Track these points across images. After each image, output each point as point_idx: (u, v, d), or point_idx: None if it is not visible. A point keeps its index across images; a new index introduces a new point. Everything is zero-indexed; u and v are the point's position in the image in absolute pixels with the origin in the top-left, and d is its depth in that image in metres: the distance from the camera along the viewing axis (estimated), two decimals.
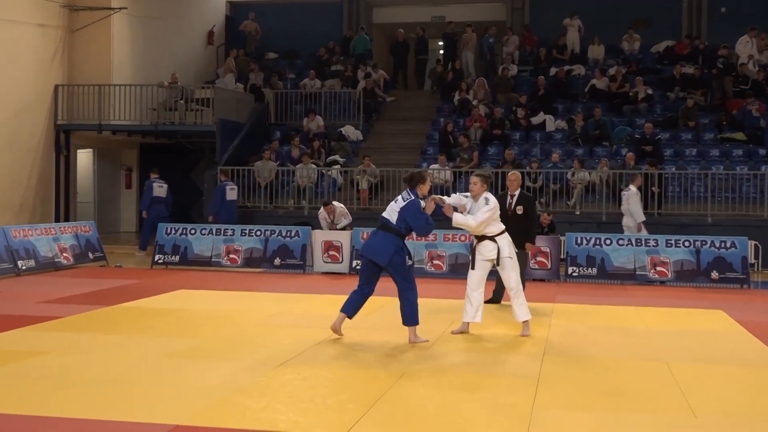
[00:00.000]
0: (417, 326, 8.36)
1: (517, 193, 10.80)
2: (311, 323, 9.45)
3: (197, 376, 6.80)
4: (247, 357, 7.60)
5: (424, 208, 8.18)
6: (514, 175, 10.84)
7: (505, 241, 8.62)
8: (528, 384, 6.68)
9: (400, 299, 8.32)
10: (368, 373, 6.98)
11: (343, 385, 6.57)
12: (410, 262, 8.26)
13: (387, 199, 18.47)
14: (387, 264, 8.20)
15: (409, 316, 8.29)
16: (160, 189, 18.25)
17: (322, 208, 15.59)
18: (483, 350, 8.05)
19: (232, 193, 18.01)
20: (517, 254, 8.78)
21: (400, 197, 8.37)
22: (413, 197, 8.26)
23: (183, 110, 20.79)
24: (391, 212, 8.34)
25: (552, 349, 8.15)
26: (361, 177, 18.65)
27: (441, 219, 8.79)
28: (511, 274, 8.55)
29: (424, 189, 8.33)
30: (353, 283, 13.79)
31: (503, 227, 8.67)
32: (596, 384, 6.79)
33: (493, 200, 8.55)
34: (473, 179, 8.62)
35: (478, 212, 8.48)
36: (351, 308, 8.46)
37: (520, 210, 10.76)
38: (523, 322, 8.70)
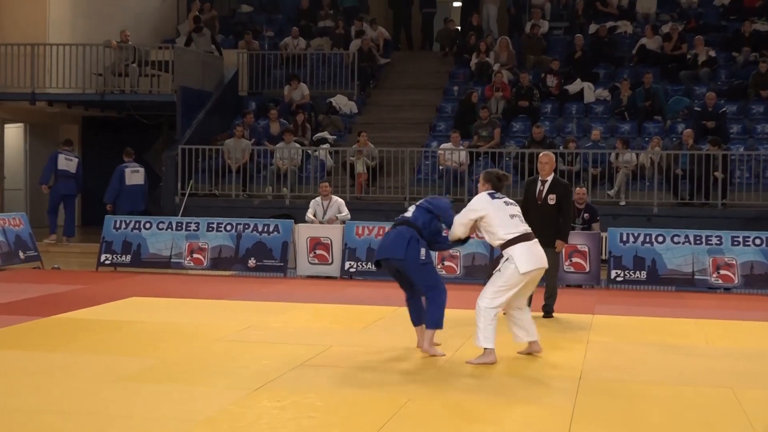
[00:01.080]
0: (437, 331, 8.60)
1: (550, 178, 10.79)
2: (294, 339, 9.43)
3: (153, 405, 6.78)
4: (215, 381, 7.58)
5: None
6: (546, 157, 10.84)
7: (517, 251, 8.33)
8: (560, 416, 6.67)
9: (425, 303, 8.65)
10: (365, 400, 6.97)
11: (333, 415, 6.56)
12: (424, 259, 8.46)
13: (388, 187, 18.51)
14: (404, 258, 8.45)
15: (433, 318, 8.54)
16: (135, 174, 18.45)
17: (318, 198, 15.50)
18: (505, 373, 8.04)
19: (134, 176, 18.23)
20: (546, 253, 8.71)
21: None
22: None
23: (136, 76, 20.76)
24: (410, 211, 8.78)
25: (591, 373, 8.13)
26: (357, 158, 18.64)
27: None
28: (483, 291, 8.46)
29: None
30: (345, 289, 13.83)
31: (518, 231, 8.40)
32: (644, 416, 6.77)
33: (474, 202, 8.50)
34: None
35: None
36: (418, 316, 8.79)
37: (552, 199, 10.75)
38: (485, 349, 8.36)
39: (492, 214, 8.36)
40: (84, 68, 20.58)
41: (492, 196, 8.50)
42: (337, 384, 7.52)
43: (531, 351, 8.73)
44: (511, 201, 8.59)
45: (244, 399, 6.94)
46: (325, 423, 6.36)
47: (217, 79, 22.02)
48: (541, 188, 10.81)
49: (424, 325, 8.70)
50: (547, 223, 10.45)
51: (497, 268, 8.38)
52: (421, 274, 8.52)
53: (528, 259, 8.31)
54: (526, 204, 10.65)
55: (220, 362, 8.29)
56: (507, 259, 8.29)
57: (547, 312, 11.12)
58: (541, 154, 10.97)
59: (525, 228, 8.45)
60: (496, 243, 8.40)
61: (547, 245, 9.85)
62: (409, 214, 8.73)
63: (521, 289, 8.39)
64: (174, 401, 6.88)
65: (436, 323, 8.55)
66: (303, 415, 6.52)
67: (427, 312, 8.61)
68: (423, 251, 8.47)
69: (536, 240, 8.45)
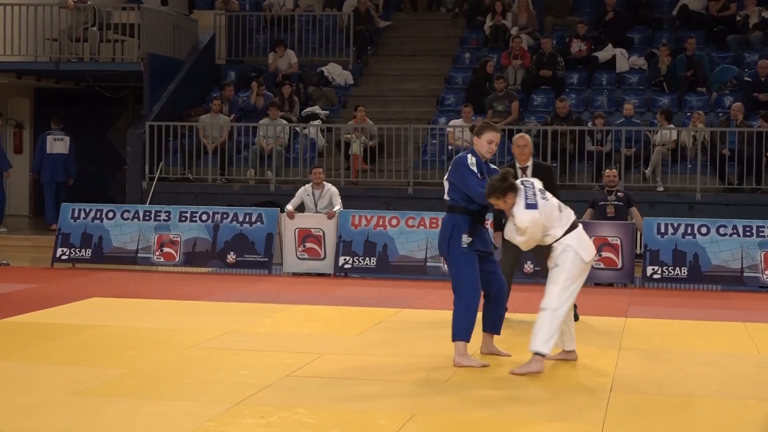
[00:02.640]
0: (466, 343, 8.59)
1: (530, 163, 10.85)
2: (280, 346, 9.47)
3: (117, 422, 6.82)
4: (189, 394, 7.61)
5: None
6: (522, 140, 10.91)
7: (572, 239, 8.41)
8: (590, 427, 6.73)
9: None
10: (361, 416, 7.01)
11: None
12: (466, 245, 8.52)
13: (389, 170, 18.55)
14: (447, 254, 8.67)
15: (455, 328, 8.62)
16: (58, 143, 18.66)
17: (308, 185, 15.53)
18: (525, 385, 8.08)
19: (57, 144, 18.66)
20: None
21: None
22: (464, 154, 8.68)
23: (96, 41, 20.76)
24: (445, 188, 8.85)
25: (623, 384, 8.17)
26: (356, 137, 18.67)
27: None
28: (546, 292, 8.44)
29: (481, 146, 8.68)
30: (339, 289, 13.88)
31: (567, 223, 8.46)
32: (688, 431, 6.83)
33: (521, 213, 8.32)
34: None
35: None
36: (484, 320, 8.93)
37: None
38: (534, 353, 8.39)
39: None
40: (36, 32, 20.56)
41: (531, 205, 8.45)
42: (329, 398, 7.55)
43: (566, 358, 8.89)
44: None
45: (223, 415, 6.98)
46: None
47: (190, 45, 22.03)
48: (522, 175, 10.85)
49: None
50: None
51: (553, 264, 8.38)
52: (450, 270, 8.76)
53: (587, 246, 8.49)
54: None
55: (196, 373, 8.32)
56: (563, 250, 8.33)
57: None
58: (516, 136, 11.01)
59: (573, 216, 8.58)
60: (548, 240, 8.42)
61: None
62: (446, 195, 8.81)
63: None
64: (143, 418, 6.92)
65: (458, 334, 8.59)
66: None
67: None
68: (463, 238, 8.53)
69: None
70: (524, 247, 8.59)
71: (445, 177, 8.83)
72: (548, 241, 8.39)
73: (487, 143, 8.63)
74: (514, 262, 10.94)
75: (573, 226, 8.44)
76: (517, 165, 10.74)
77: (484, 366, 8.58)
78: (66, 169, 19.70)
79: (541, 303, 8.35)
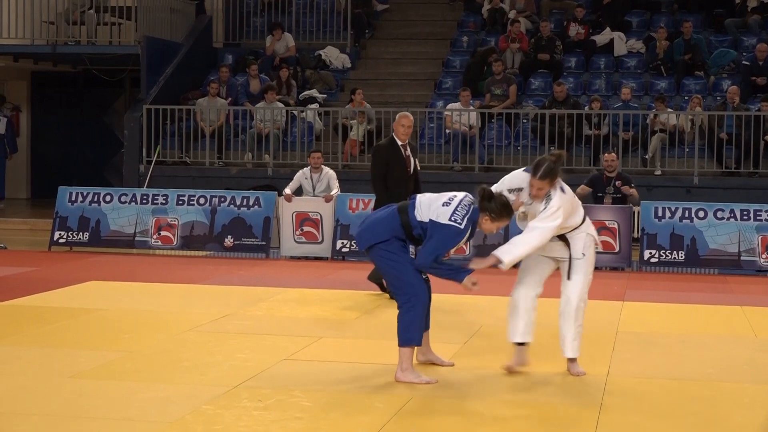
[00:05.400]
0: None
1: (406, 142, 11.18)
2: (277, 329, 9.48)
3: (114, 405, 6.83)
4: (186, 377, 7.63)
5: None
6: (407, 119, 11.14)
7: (580, 238, 7.89)
8: (585, 416, 6.74)
9: None
10: (359, 399, 7.03)
11: (323, 417, 6.62)
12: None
13: None
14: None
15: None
16: None
17: (306, 169, 15.49)
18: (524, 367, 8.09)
19: None
20: None
21: (451, 195, 7.63)
22: (464, 214, 7.48)
23: (93, 24, 20.72)
24: (424, 205, 7.62)
25: (620, 368, 8.19)
26: (358, 122, 18.61)
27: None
28: (574, 283, 7.87)
29: (486, 225, 7.53)
30: (337, 272, 13.88)
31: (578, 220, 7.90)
32: (681, 416, 6.83)
33: (560, 197, 7.68)
34: (534, 183, 7.74)
35: (537, 220, 7.67)
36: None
37: (418, 165, 11.32)
38: (570, 360, 7.97)
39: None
40: (33, 15, 20.53)
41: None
42: (327, 381, 7.56)
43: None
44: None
45: (221, 398, 6.99)
46: (314, 425, 6.42)
47: (187, 29, 21.97)
48: (407, 154, 11.15)
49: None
50: (411, 191, 10.75)
51: (580, 253, 7.80)
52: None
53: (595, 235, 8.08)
54: (388, 171, 11.11)
55: (193, 356, 8.33)
56: (587, 239, 7.86)
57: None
58: (400, 114, 11.25)
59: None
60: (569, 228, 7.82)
61: None
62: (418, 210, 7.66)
63: None
64: (140, 401, 6.93)
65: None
66: (288, 417, 6.58)
67: None
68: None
69: None
70: (550, 235, 7.65)
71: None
72: (569, 228, 7.78)
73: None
74: None
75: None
76: (398, 143, 11.00)
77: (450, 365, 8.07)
78: (4, 146, 20.52)
79: (568, 294, 7.79)
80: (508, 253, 7.50)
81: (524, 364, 7.91)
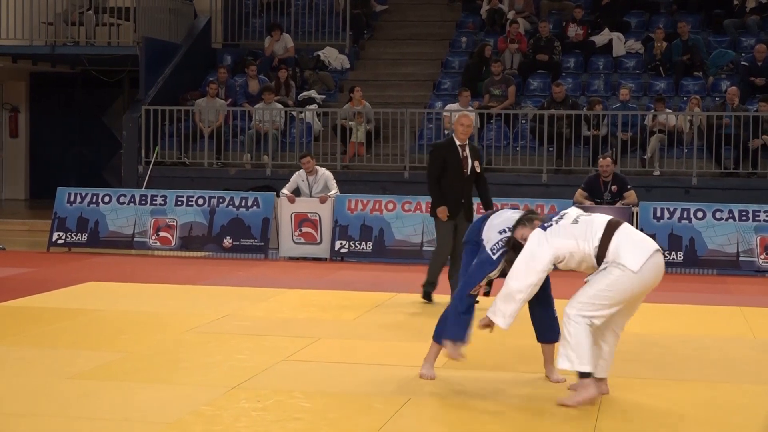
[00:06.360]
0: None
1: (467, 142, 11.03)
2: (276, 330, 9.49)
3: (113, 405, 6.83)
4: (185, 378, 7.64)
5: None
6: (467, 119, 11.04)
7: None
8: (585, 412, 6.75)
9: None
10: (357, 399, 7.03)
11: (322, 417, 6.62)
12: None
13: (385, 154, 18.54)
14: None
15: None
16: None
17: (301, 170, 15.49)
18: (516, 365, 8.10)
19: None
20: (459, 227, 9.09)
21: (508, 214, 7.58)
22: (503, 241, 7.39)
23: (92, 25, 20.72)
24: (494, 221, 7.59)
25: (618, 368, 8.18)
26: (358, 124, 18.60)
27: None
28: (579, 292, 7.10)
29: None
30: (335, 273, 13.87)
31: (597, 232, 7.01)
32: (678, 417, 6.83)
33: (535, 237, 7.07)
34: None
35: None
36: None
37: (477, 167, 11.05)
38: (580, 376, 7.05)
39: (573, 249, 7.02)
40: (31, 16, 20.52)
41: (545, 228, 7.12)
42: (326, 382, 7.57)
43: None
44: (566, 212, 7.25)
45: (220, 399, 6.99)
46: (313, 426, 6.42)
47: (186, 29, 21.97)
48: (465, 154, 10.95)
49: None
50: (467, 193, 10.82)
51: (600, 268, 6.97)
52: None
53: (633, 249, 6.95)
54: (444, 171, 10.91)
55: (192, 357, 8.33)
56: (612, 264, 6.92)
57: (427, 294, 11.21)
58: (460, 115, 11.15)
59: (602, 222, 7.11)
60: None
61: (468, 219, 10.56)
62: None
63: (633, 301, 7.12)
64: (139, 401, 6.93)
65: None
66: (288, 417, 6.58)
67: None
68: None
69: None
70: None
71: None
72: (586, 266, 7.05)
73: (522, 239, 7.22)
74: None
75: (609, 230, 6.99)
76: (456, 143, 10.87)
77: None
78: None
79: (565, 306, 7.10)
80: (497, 313, 7.07)
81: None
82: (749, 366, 8.42)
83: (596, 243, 6.91)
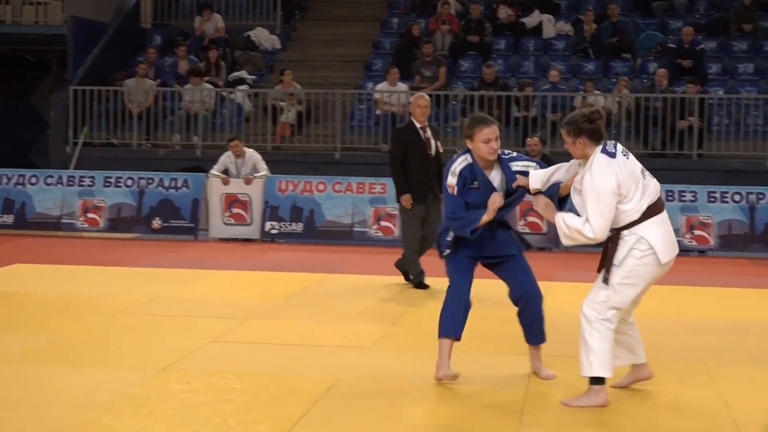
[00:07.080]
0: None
1: (426, 124, 11.04)
2: (206, 311, 9.48)
3: (43, 388, 6.80)
4: (114, 360, 7.62)
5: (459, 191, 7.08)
6: (423, 100, 11.01)
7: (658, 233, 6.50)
8: (510, 403, 6.82)
9: None
10: (288, 380, 7.05)
11: (252, 398, 6.64)
12: (446, 252, 7.19)
13: (316, 135, 18.53)
14: None
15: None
16: None
17: (229, 152, 15.47)
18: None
19: None
20: (437, 209, 9.09)
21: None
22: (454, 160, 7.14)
23: (18, 3, 20.46)
24: None
25: (547, 346, 8.28)
26: (289, 104, 18.55)
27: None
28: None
29: (479, 149, 7.03)
30: (266, 254, 13.87)
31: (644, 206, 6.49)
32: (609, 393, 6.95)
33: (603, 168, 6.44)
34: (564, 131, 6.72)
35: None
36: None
37: (440, 147, 11.12)
38: (591, 381, 6.63)
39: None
40: None
41: (610, 153, 6.48)
42: (256, 363, 7.59)
43: (637, 378, 7.03)
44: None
45: (149, 381, 6.98)
46: (244, 407, 6.44)
47: (115, 8, 21.77)
48: (426, 136, 10.97)
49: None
50: (433, 174, 10.74)
51: (617, 259, 6.56)
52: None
53: (669, 241, 6.56)
54: (407, 155, 10.88)
55: (121, 339, 8.31)
56: (638, 241, 6.47)
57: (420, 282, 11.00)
58: (419, 97, 11.09)
59: (656, 190, 6.61)
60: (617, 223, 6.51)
61: (437, 199, 10.40)
62: None
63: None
64: (68, 384, 6.90)
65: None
66: (218, 399, 6.59)
67: None
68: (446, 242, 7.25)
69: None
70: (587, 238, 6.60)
71: None
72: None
73: (484, 144, 7.01)
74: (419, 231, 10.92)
75: (655, 209, 6.50)
76: (417, 126, 10.86)
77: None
78: None
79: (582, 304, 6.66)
80: (562, 218, 6.91)
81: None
82: (672, 342, 8.53)
83: (645, 206, 6.45)
